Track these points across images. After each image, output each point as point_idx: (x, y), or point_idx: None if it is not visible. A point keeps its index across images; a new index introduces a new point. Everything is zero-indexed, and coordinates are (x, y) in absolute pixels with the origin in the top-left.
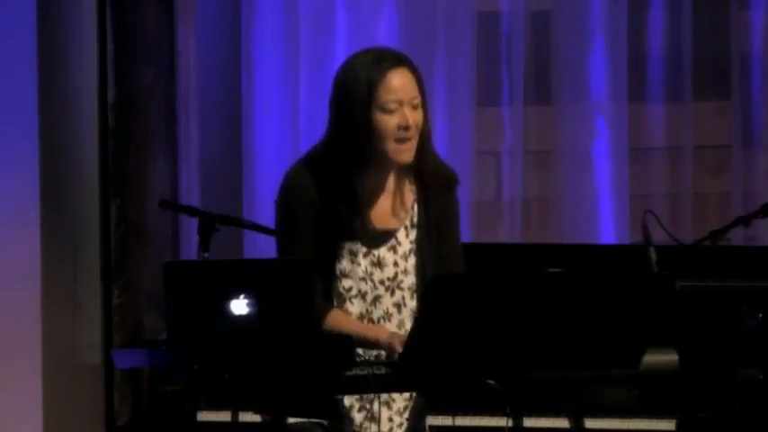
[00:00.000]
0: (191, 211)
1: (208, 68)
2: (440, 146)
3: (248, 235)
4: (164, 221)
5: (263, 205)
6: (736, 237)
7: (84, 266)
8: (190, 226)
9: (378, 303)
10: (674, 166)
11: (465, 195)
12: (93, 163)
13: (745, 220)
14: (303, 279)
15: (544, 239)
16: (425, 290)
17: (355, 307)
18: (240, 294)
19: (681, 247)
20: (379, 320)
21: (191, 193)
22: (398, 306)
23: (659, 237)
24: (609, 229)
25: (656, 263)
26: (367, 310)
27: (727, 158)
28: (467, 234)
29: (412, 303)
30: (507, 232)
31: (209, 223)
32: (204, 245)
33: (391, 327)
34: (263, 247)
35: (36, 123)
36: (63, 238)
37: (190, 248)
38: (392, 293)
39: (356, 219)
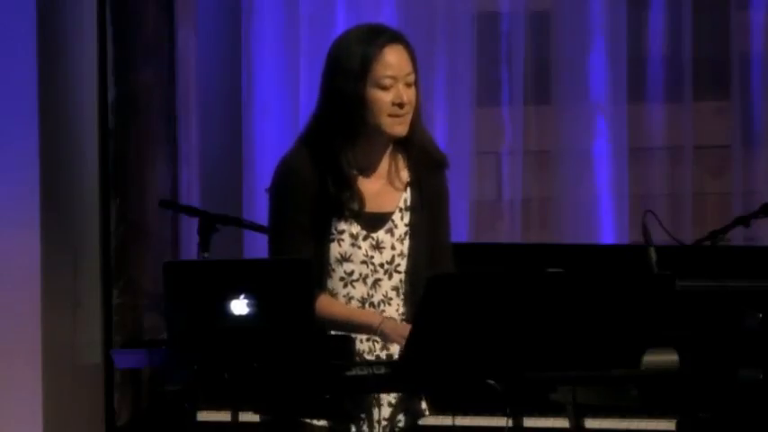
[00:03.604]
0: (191, 211)
1: (208, 68)
2: (440, 146)
3: (248, 235)
4: (164, 221)
5: (263, 205)
6: (736, 237)
7: (84, 266)
8: (190, 226)
9: (377, 287)
10: (674, 166)
11: (465, 195)
12: (93, 163)
13: (745, 220)
14: (303, 279)
15: (544, 239)
16: (424, 289)
17: (357, 291)
18: (240, 294)
19: (681, 247)
20: (379, 304)
21: (191, 193)
22: (396, 290)
23: (659, 237)
24: (609, 229)
25: (656, 263)
26: (368, 294)
27: (728, 158)
28: (467, 234)
29: (407, 288)
30: (507, 232)
31: (209, 223)
32: (204, 245)
33: (391, 311)
34: (263, 247)
35: (36, 123)
36: (63, 238)
37: (190, 248)
38: (390, 277)
39: (344, 192)
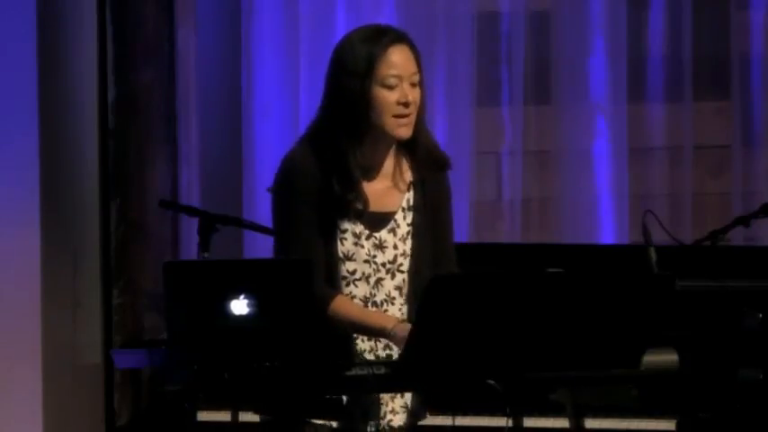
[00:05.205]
0: (191, 211)
1: (208, 68)
2: (440, 146)
3: (248, 235)
4: (164, 221)
5: (263, 205)
6: (736, 237)
7: (84, 266)
8: (190, 226)
9: (380, 286)
10: (674, 166)
11: (465, 195)
12: (93, 163)
13: (745, 220)
14: (303, 279)
15: (544, 239)
16: (425, 289)
17: (359, 290)
18: (240, 294)
19: (681, 247)
20: (382, 304)
21: (191, 193)
22: (399, 289)
23: (659, 237)
24: (609, 229)
25: (656, 263)
26: (370, 293)
27: (728, 158)
28: (467, 234)
29: (409, 287)
30: (507, 232)
31: (209, 223)
32: (204, 245)
33: (393, 310)
34: (263, 247)
35: (36, 123)
36: (63, 238)
37: (190, 248)
38: (393, 276)
39: (350, 193)
